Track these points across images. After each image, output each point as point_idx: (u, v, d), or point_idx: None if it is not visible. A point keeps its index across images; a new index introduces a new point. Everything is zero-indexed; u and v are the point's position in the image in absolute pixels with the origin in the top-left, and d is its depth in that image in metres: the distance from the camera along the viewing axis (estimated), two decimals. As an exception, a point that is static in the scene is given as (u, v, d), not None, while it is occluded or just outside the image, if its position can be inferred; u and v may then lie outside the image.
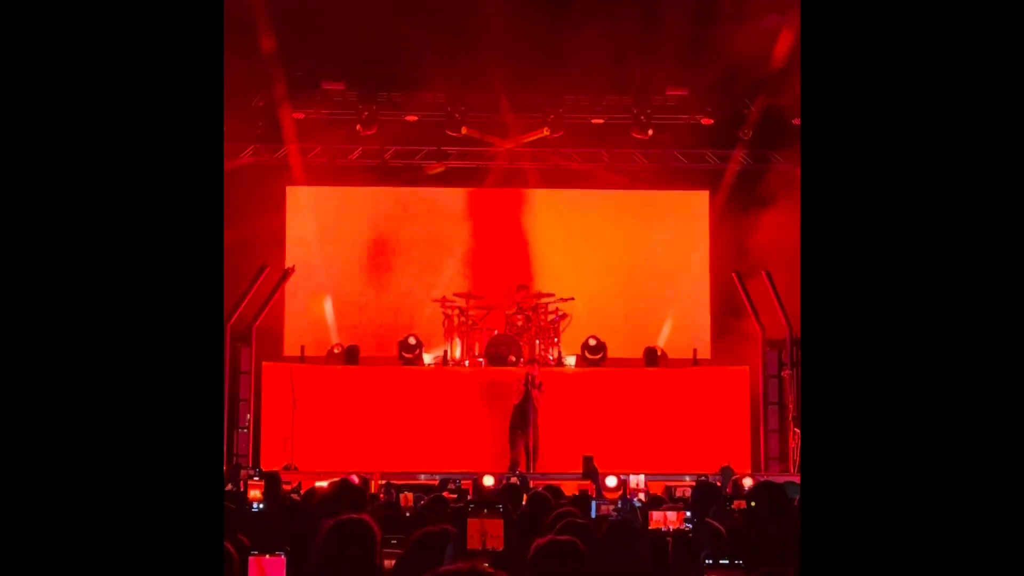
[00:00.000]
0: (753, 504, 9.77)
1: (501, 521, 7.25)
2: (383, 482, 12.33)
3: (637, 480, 12.14)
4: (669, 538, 9.07)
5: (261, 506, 9.21)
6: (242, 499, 9.47)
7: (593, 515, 9.37)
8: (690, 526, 9.37)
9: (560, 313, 19.04)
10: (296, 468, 16.50)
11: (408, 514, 9.24)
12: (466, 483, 12.21)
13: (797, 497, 10.60)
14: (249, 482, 9.79)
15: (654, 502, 10.75)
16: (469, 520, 7.28)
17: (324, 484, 10.67)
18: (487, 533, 7.24)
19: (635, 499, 11.31)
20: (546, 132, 19.66)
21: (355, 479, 10.15)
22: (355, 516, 5.80)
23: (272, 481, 9.95)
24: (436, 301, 19.49)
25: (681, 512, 9.41)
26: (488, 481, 13.08)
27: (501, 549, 7.16)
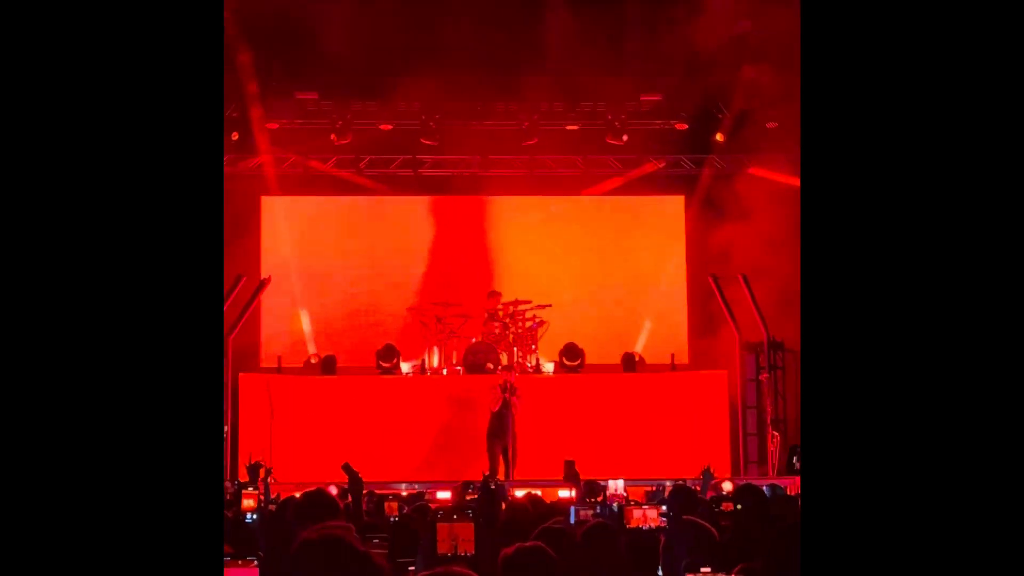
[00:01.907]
0: (739, 507, 9.82)
1: (471, 524, 7.46)
2: (365, 492, 12.29)
3: (616, 485, 12.19)
4: (661, 535, 9.15)
5: (255, 516, 9.15)
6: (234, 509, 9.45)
7: (572, 520, 9.27)
8: (664, 520, 9.54)
9: (537, 320, 19.08)
10: (275, 480, 16.47)
11: (393, 519, 9.22)
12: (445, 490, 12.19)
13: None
14: (243, 492, 9.75)
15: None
16: (439, 524, 7.44)
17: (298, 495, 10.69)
18: (458, 537, 7.39)
19: (614, 504, 11.34)
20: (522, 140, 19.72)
21: (333, 490, 10.13)
22: (335, 530, 5.76)
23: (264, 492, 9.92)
24: (412, 310, 19.51)
25: (659, 507, 9.70)
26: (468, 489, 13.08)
27: (473, 553, 7.31)
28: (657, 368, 19.56)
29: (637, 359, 19.47)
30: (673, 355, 19.89)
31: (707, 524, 8.93)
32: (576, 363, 19.25)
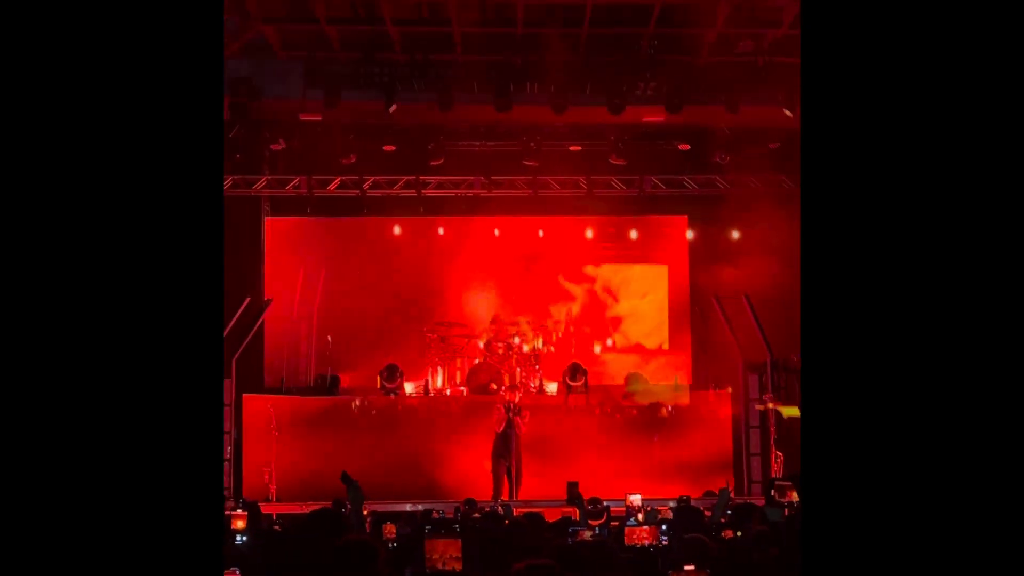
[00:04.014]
0: (739, 533, 9.91)
1: (459, 542, 7.90)
2: (366, 512, 12.29)
3: (634, 499, 12.74)
4: (652, 551, 9.64)
5: (244, 538, 9.19)
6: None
7: (572, 540, 9.39)
8: (665, 539, 10.11)
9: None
10: (278, 500, 16.47)
11: (392, 544, 9.23)
12: (449, 513, 12.21)
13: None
14: (233, 514, 9.78)
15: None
16: (427, 541, 7.92)
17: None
18: (446, 555, 7.87)
19: (632, 519, 11.47)
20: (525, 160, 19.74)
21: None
22: (358, 538, 5.87)
23: (254, 512, 9.96)
24: (420, 330, 19.51)
25: (654, 527, 10.25)
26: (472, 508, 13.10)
27: (460, 570, 7.72)
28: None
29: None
30: (677, 376, 19.93)
31: (707, 539, 8.98)
32: (579, 384, 19.26)
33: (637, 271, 21.39)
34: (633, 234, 21.40)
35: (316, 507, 8.94)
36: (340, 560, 5.45)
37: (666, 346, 21.22)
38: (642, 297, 21.45)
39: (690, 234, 21.17)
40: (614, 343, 21.08)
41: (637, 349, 20.86)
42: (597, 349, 20.35)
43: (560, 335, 20.63)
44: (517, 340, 19.28)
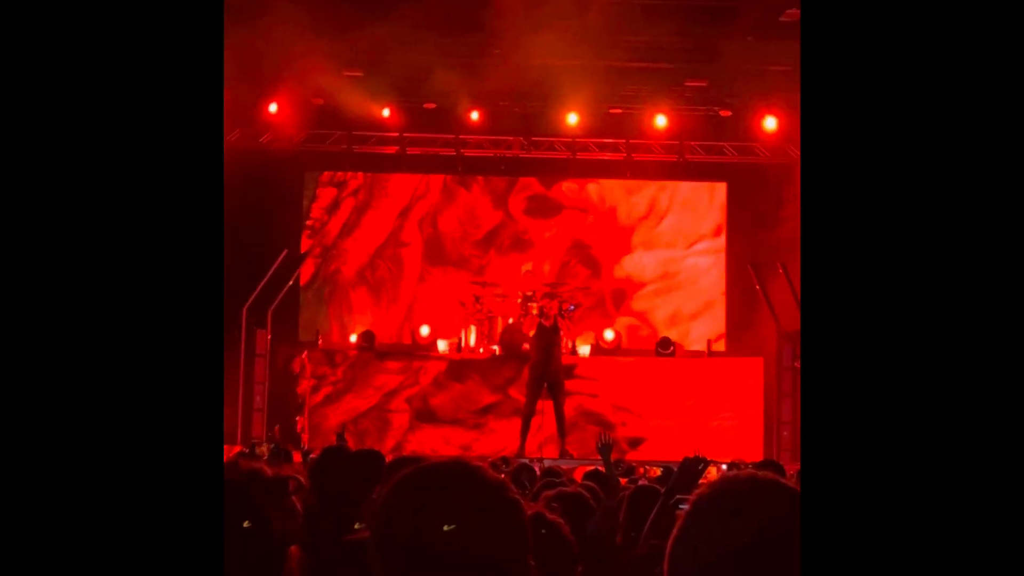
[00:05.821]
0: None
1: None
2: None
3: None
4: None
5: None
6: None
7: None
8: None
9: (575, 303, 19.01)
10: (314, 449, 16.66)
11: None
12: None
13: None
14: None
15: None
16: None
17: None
18: None
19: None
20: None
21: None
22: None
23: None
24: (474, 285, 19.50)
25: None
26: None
27: None
28: (693, 354, 19.55)
29: (672, 344, 19.44)
30: (709, 341, 19.75)
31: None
32: (612, 347, 19.32)
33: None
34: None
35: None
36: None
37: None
38: (685, 246, 20.81)
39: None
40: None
41: (671, 316, 20.69)
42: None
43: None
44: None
